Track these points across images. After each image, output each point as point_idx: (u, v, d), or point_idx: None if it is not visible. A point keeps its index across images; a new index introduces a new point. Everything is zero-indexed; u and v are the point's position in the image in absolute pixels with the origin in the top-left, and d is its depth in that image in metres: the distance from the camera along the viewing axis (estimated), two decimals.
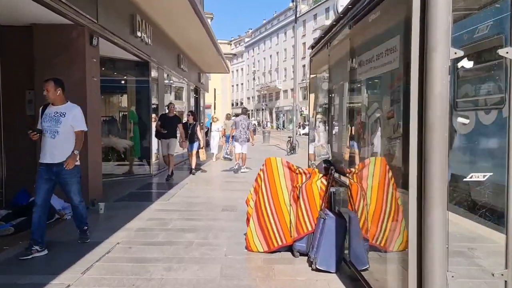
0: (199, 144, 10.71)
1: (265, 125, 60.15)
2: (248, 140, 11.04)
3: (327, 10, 51.12)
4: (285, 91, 63.15)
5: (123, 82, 10.77)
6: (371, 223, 3.38)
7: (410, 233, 2.26)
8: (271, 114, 68.60)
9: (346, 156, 4.36)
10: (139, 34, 8.34)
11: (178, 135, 9.81)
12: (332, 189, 4.05)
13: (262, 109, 69.52)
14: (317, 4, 53.58)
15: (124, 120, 10.71)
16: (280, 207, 4.30)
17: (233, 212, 6.32)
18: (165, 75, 11.73)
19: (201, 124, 16.30)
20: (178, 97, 15.17)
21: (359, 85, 3.29)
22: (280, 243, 4.26)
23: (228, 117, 17.29)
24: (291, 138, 17.99)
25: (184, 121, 10.74)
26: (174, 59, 12.49)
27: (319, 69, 5.23)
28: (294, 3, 17.90)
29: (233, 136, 17.13)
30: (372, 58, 2.92)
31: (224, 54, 17.56)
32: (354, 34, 3.48)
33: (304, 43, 56.59)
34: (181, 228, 5.28)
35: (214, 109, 25.58)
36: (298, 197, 4.18)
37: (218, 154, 14.74)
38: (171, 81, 13.45)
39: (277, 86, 64.51)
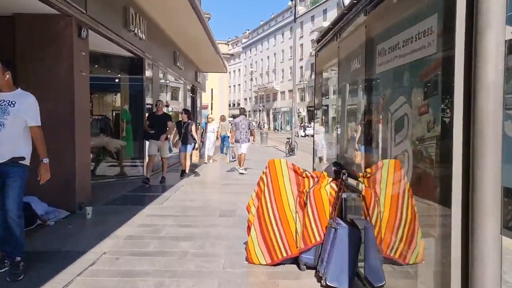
0: (194, 145, 10.01)
1: (262, 126, 59.71)
2: (249, 140, 10.84)
3: (324, 11, 50.95)
4: (283, 92, 62.78)
5: (116, 79, 10.31)
6: (389, 233, 2.97)
7: (452, 258, 1.84)
8: (268, 115, 68.21)
9: (358, 159, 3.96)
10: (132, 28, 7.90)
11: (171, 136, 9.34)
12: (344, 195, 3.63)
13: (260, 110, 69.09)
14: (314, 6, 53.34)
15: (117, 119, 10.24)
16: (284, 214, 3.88)
17: (232, 217, 5.89)
18: (161, 73, 11.29)
19: (198, 125, 15.73)
20: (174, 96, 14.72)
21: (378, 78, 2.87)
22: (284, 255, 3.83)
23: (222, 118, 16.98)
24: (290, 140, 17.60)
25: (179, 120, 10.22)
26: (170, 56, 12.04)
27: (326, 64, 4.82)
28: (293, 2, 17.50)
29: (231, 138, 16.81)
30: (397, 46, 2.51)
31: (222, 54, 17.14)
32: (372, 21, 3.07)
33: (301, 45, 56.37)
34: (174, 236, 4.83)
35: (211, 109, 25.11)
36: (305, 204, 3.76)
37: (214, 156, 14.26)
38: (167, 81, 13.01)
39: (274, 87, 64.14)
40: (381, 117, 2.93)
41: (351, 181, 3.73)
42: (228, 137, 17.38)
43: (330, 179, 3.80)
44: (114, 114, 10.39)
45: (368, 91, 3.03)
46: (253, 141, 11.37)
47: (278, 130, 58.00)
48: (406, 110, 2.42)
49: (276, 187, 3.93)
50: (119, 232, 4.96)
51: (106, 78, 10.09)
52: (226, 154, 14.51)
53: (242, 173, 10.51)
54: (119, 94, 10.66)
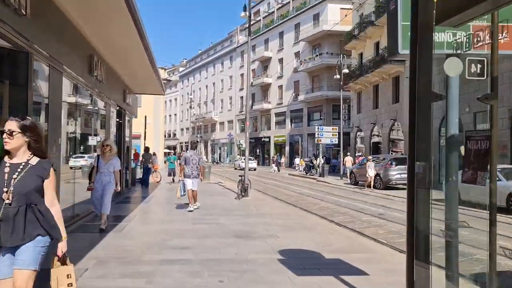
0: (54, 231, 2.82)
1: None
2: (199, 176, 10.54)
3: (266, 41, 49.90)
4: (222, 123, 60.04)
5: None
6: None
7: None
8: (206, 147, 64.69)
9: None
10: None
11: None
12: None
13: (197, 141, 65.58)
14: (256, 35, 52.22)
15: None
16: None
17: None
18: (65, 82, 7.50)
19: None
20: (95, 121, 10.85)
21: None
22: None
23: (146, 150, 16.26)
24: (243, 177, 14.28)
25: None
26: (83, 61, 8.32)
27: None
28: (247, 12, 14.76)
29: (148, 168, 16.14)
30: None
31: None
32: None
33: (241, 74, 54.60)
34: None
35: (145, 139, 21.19)
36: None
37: (106, 215, 7.61)
38: (78, 96, 9.19)
39: (213, 118, 61.25)
40: None
41: None
42: (150, 168, 16.47)
43: None
44: None
45: None
46: (202, 178, 11.08)
47: (217, 163, 54.61)
48: None
49: None
50: None
51: None
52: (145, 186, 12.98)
53: (196, 208, 10.32)
54: None
